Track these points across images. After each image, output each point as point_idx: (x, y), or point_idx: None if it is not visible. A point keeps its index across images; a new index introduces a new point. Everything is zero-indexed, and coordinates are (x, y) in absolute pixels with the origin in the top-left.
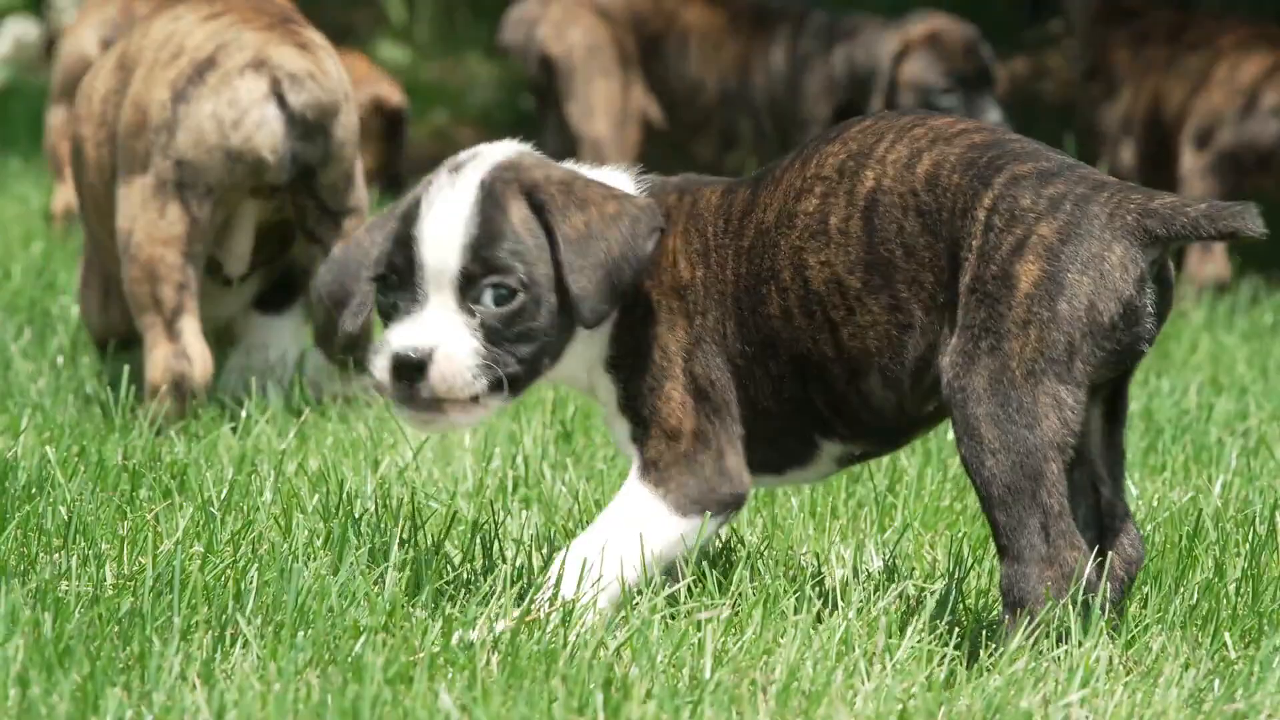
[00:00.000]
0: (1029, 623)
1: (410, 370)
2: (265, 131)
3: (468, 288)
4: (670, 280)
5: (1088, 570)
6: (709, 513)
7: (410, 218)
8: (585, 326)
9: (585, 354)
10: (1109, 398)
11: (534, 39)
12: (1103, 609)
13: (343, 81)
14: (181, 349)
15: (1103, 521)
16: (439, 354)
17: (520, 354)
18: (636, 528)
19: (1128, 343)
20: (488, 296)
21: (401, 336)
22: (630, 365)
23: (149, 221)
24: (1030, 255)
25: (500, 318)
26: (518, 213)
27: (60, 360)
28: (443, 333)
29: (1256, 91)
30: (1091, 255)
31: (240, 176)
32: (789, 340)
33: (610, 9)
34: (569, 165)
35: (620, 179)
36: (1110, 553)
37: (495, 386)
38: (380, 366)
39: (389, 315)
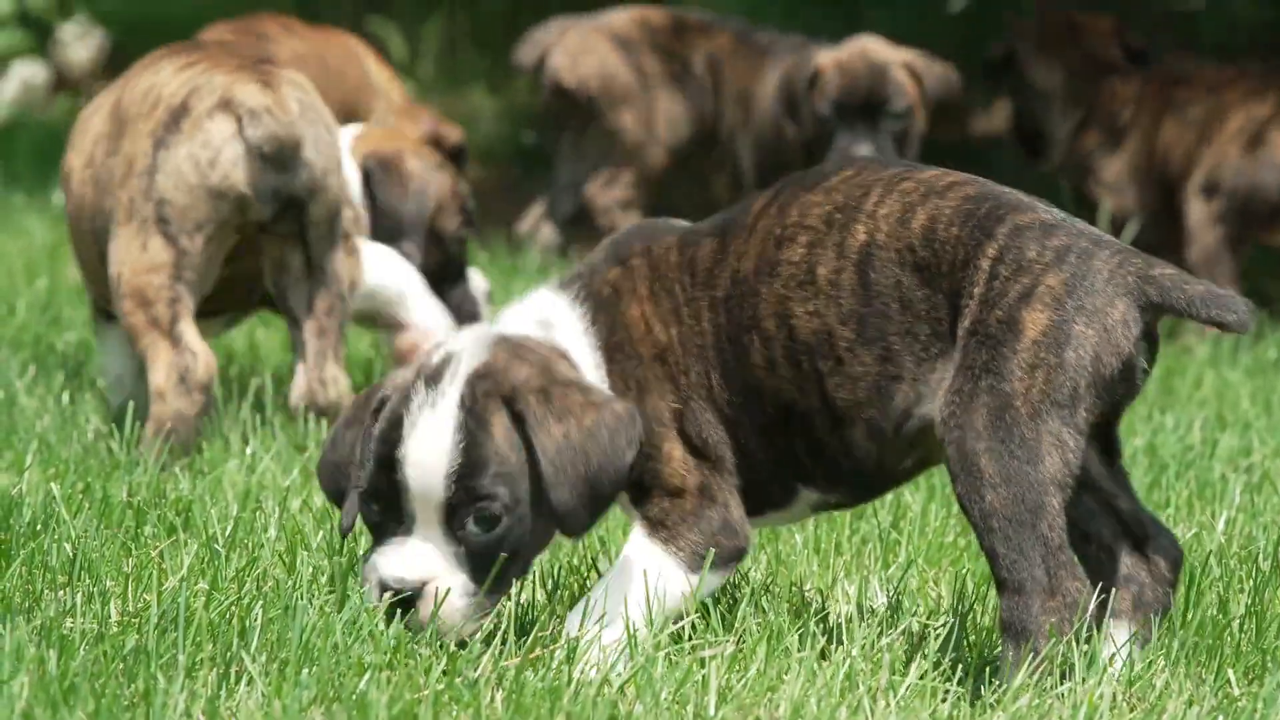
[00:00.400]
0: (1032, 656)
1: (399, 598)
2: (240, 168)
3: (453, 515)
4: (649, 349)
5: (1086, 602)
6: (715, 566)
7: (392, 438)
8: (570, 538)
9: None
10: (1101, 437)
11: (547, 67)
12: (1158, 612)
13: (309, 114)
14: (183, 347)
15: (1133, 530)
16: (428, 590)
17: (509, 574)
18: (651, 587)
19: (1122, 394)
20: (472, 522)
21: (389, 564)
22: None
23: (133, 258)
24: (1038, 304)
25: (486, 543)
26: (500, 429)
27: (65, 397)
28: (431, 567)
29: (1266, 141)
30: (1096, 309)
31: (227, 213)
32: (773, 389)
33: (629, 38)
34: (536, 333)
35: (558, 306)
36: (1154, 555)
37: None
38: (371, 588)
39: (374, 531)
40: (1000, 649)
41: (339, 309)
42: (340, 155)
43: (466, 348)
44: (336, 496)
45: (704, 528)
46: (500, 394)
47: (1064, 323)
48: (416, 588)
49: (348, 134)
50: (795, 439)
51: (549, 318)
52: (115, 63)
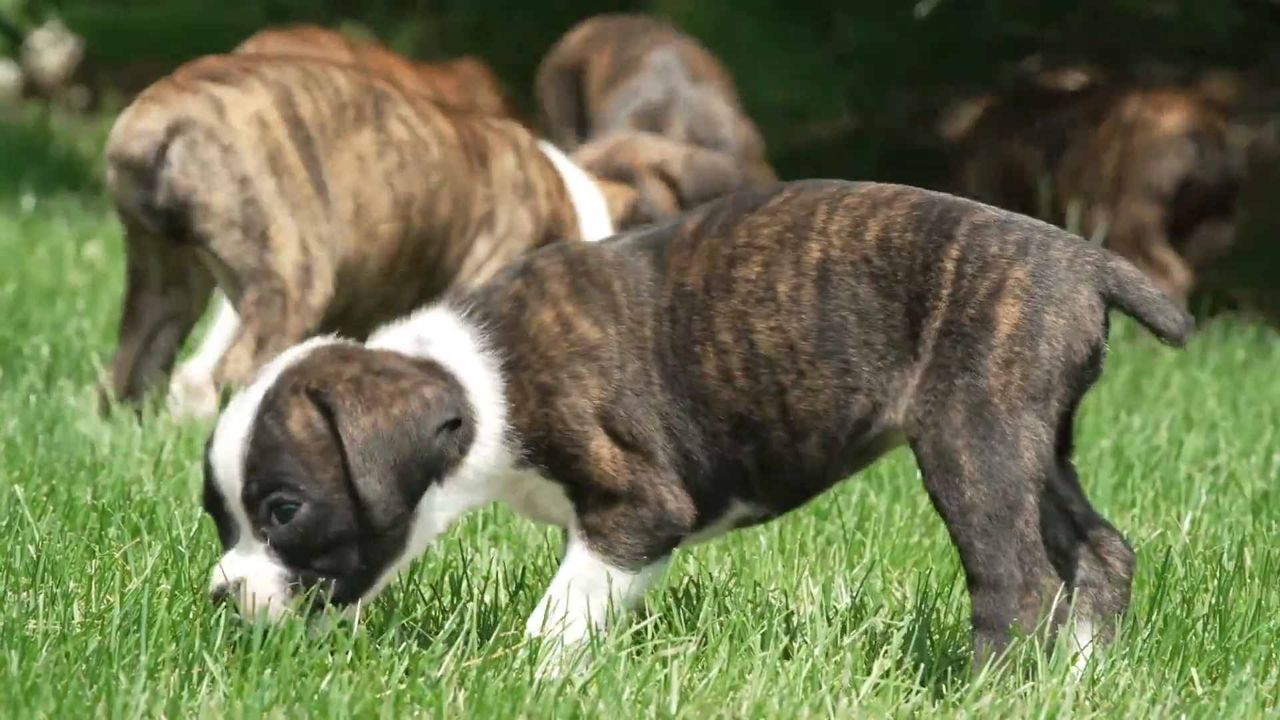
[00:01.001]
0: (1006, 650)
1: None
2: (113, 184)
3: (254, 510)
4: (566, 349)
5: (1059, 601)
6: (650, 561)
7: (207, 446)
8: (379, 530)
9: (479, 486)
10: (1060, 430)
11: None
12: (1118, 613)
13: (184, 133)
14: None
15: (1087, 534)
16: (244, 589)
17: (334, 565)
18: (592, 597)
19: (1086, 381)
20: (274, 515)
21: (218, 570)
22: (548, 447)
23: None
24: (1009, 298)
25: (290, 534)
26: (299, 419)
27: (32, 399)
28: (243, 565)
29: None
30: (1064, 296)
31: (136, 222)
32: (728, 401)
33: (562, 62)
34: (410, 349)
35: (441, 323)
36: (1109, 557)
37: (333, 599)
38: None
39: (224, 543)
40: (969, 645)
41: (276, 303)
42: (242, 171)
43: (295, 353)
44: None
45: (640, 529)
46: (306, 387)
47: (1035, 314)
48: (234, 588)
49: (590, 187)
50: (745, 449)
51: (428, 335)
52: (86, 71)
